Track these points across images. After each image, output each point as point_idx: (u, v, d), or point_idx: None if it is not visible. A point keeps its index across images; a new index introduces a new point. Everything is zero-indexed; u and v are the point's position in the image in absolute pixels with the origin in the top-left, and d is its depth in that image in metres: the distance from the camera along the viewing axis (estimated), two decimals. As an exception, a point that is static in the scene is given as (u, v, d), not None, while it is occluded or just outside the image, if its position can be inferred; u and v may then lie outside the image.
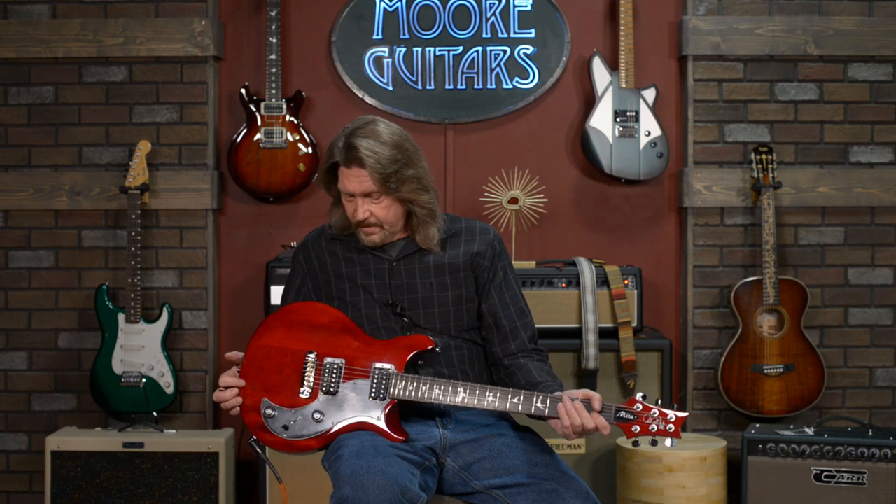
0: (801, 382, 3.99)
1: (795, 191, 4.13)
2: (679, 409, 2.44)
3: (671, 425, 2.42)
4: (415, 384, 2.52)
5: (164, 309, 4.03)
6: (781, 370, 3.97)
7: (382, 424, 2.52)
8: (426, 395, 2.51)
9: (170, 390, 4.00)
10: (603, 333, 3.81)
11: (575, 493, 2.43)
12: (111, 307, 4.00)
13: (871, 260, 4.18)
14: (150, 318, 4.02)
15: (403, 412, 2.61)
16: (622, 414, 2.43)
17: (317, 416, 2.55)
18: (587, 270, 3.83)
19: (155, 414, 3.98)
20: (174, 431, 3.93)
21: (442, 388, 2.50)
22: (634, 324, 3.83)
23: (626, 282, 3.85)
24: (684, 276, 4.20)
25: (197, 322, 4.16)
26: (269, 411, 2.57)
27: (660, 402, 2.45)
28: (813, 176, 4.15)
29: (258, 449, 2.61)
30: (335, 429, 2.54)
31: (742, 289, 4.01)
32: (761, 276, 3.98)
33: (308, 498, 3.67)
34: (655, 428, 2.42)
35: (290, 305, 2.69)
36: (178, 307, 4.15)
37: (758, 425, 3.79)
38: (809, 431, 3.65)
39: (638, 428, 2.43)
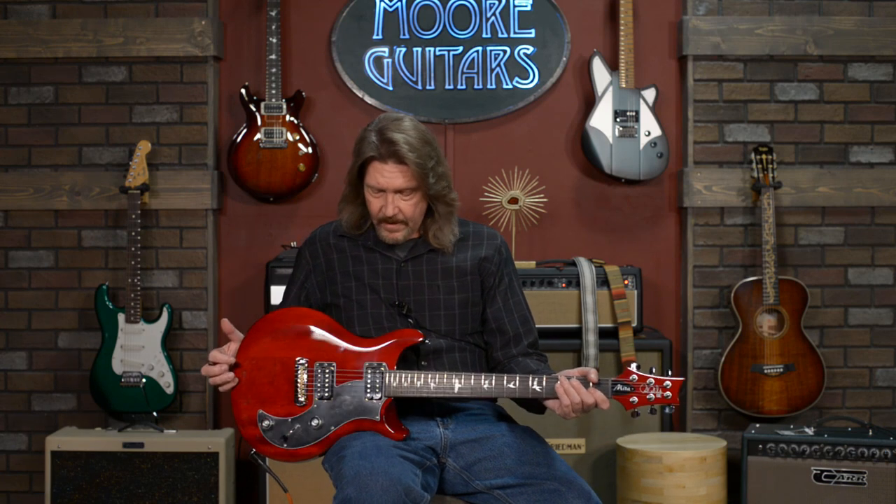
0: (801, 382, 3.99)
1: (795, 191, 4.13)
2: (674, 375, 2.43)
3: (668, 392, 2.43)
4: (409, 379, 2.52)
5: (164, 309, 4.03)
6: (781, 370, 3.98)
7: (381, 423, 2.52)
8: (421, 389, 2.51)
9: (170, 390, 4.00)
10: (603, 333, 3.81)
11: (577, 493, 2.43)
12: (111, 307, 4.00)
13: (871, 260, 4.18)
14: (150, 318, 4.02)
15: (403, 411, 2.61)
16: (619, 387, 2.44)
17: (315, 422, 2.54)
18: (587, 270, 3.83)
19: (155, 414, 3.98)
20: (174, 431, 3.93)
21: (436, 379, 2.51)
22: (634, 324, 3.83)
23: (626, 282, 3.85)
24: (684, 276, 4.20)
25: (197, 322, 4.16)
26: (266, 423, 2.56)
27: (654, 370, 2.46)
28: (813, 176, 4.15)
29: (260, 461, 2.60)
30: (335, 432, 2.54)
31: (742, 289, 4.01)
32: (761, 276, 3.98)
33: (308, 498, 3.66)
34: (653, 396, 2.43)
35: (272, 314, 2.67)
36: (178, 307, 4.14)
37: (758, 425, 3.79)
38: (809, 431, 3.65)
39: (636, 399, 2.43)
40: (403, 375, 2.52)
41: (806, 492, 3.58)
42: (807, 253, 4.17)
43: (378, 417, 2.52)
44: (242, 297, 4.23)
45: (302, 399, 2.55)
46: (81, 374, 4.14)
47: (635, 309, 3.86)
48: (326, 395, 2.54)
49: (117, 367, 3.97)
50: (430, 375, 2.51)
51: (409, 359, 2.61)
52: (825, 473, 3.57)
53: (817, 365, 4.01)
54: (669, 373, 2.46)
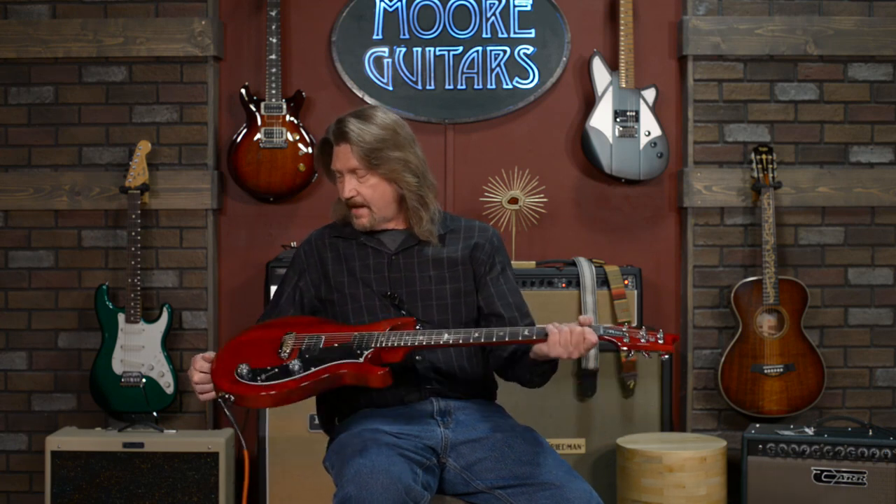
0: (801, 382, 3.99)
1: (795, 191, 4.13)
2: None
3: (661, 339, 2.40)
4: (397, 335, 2.51)
5: (164, 309, 4.03)
6: (781, 370, 3.98)
7: (365, 364, 2.49)
8: (410, 341, 2.50)
9: (170, 390, 4.00)
10: (603, 333, 3.81)
11: (577, 492, 2.42)
12: (111, 307, 4.00)
13: (871, 260, 4.18)
14: (150, 318, 4.02)
15: (403, 411, 2.60)
16: (611, 331, 2.42)
17: (296, 367, 2.51)
18: (587, 270, 3.83)
19: (155, 414, 3.98)
20: (174, 431, 3.93)
21: (425, 335, 2.50)
22: (634, 324, 3.83)
23: (626, 282, 3.86)
24: (684, 276, 4.20)
25: (197, 322, 4.16)
26: (242, 370, 2.51)
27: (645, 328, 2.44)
28: (813, 176, 4.15)
29: (224, 404, 2.50)
30: (315, 372, 2.49)
31: (742, 289, 4.01)
32: (761, 276, 3.98)
33: (309, 498, 3.67)
34: (645, 341, 2.40)
35: (268, 321, 2.72)
36: (178, 307, 4.14)
37: (758, 425, 3.79)
38: (809, 431, 3.65)
39: (628, 340, 2.40)
40: (392, 334, 2.51)
41: (806, 492, 3.58)
42: (807, 253, 4.17)
43: (361, 360, 2.49)
44: (242, 297, 4.23)
45: (286, 354, 2.54)
46: (81, 374, 4.14)
47: (635, 309, 3.86)
48: (313, 354, 2.53)
49: (117, 367, 3.97)
50: (418, 333, 2.50)
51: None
52: (825, 473, 3.57)
53: (817, 365, 4.01)
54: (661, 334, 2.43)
